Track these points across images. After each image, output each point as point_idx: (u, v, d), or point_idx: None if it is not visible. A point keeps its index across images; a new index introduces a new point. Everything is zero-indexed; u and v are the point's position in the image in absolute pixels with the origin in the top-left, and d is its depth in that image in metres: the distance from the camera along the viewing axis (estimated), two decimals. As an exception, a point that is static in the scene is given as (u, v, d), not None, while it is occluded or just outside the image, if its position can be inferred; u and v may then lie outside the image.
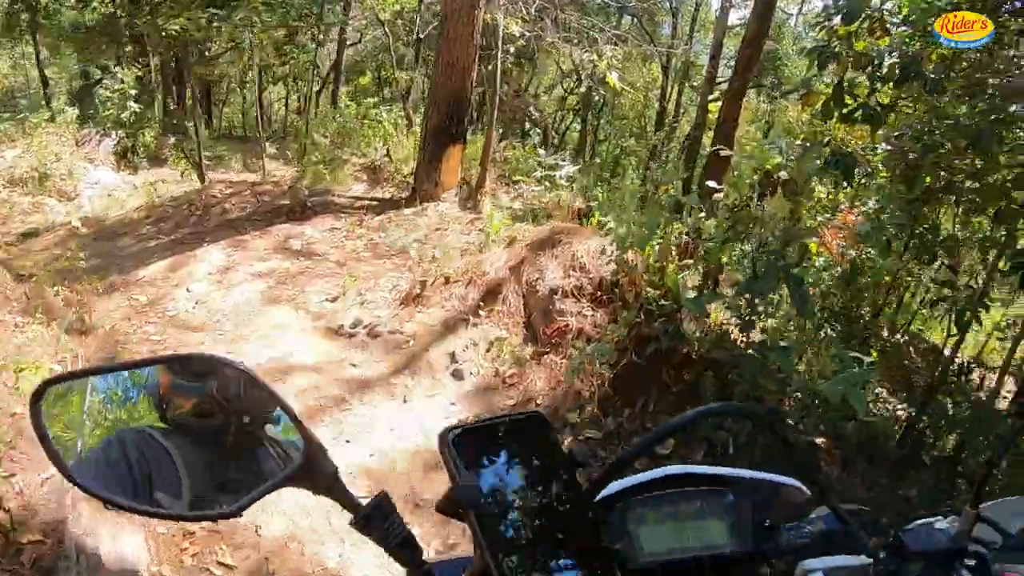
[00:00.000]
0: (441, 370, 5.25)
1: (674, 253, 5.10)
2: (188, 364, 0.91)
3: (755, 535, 0.93)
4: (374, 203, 8.91)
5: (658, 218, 5.14)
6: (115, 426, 0.85)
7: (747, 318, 4.49)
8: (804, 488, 0.99)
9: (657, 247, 5.09)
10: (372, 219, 8.13)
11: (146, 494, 0.79)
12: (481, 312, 5.63)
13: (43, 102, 17.17)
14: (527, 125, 15.92)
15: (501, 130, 11.30)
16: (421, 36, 15.41)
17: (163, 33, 10.59)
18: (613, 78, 10.49)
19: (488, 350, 5.35)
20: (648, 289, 5.20)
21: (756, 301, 4.42)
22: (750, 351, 4.38)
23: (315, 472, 0.81)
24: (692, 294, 5.01)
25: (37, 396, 0.80)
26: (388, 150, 10.62)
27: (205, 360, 0.87)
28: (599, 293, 5.50)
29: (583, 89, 14.23)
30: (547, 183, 7.88)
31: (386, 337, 5.57)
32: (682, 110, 19.70)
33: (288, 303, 6.27)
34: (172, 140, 13.21)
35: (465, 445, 0.81)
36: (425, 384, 5.14)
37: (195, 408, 0.87)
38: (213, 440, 0.87)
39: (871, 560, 0.86)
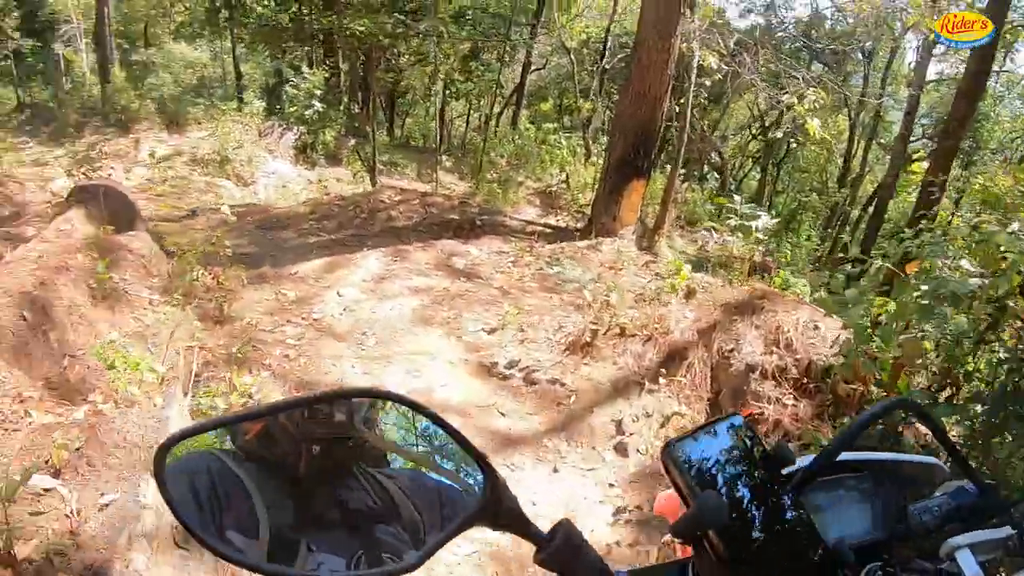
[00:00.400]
0: (603, 440, 4.43)
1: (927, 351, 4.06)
2: (340, 401, 0.79)
3: (896, 517, 0.92)
4: (546, 230, 8.30)
5: (910, 307, 4.08)
6: (254, 482, 0.74)
7: (984, 443, 3.56)
8: (943, 465, 0.99)
9: (901, 343, 4.04)
10: (543, 247, 7.47)
11: (293, 554, 0.71)
12: (660, 378, 4.76)
13: (235, 94, 18.41)
14: (705, 168, 15.00)
15: (684, 171, 10.49)
16: (606, 67, 14.91)
17: (348, 33, 10.68)
18: (814, 124, 9.42)
19: (663, 425, 4.47)
20: (872, 388, 4.21)
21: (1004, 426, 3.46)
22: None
23: (499, 507, 0.72)
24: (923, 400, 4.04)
25: (162, 451, 0.65)
26: (567, 176, 10.08)
27: (362, 393, 0.88)
28: (805, 380, 4.50)
29: (779, 134, 13.09)
30: (740, 233, 6.93)
31: (544, 387, 4.84)
32: (867, 168, 18.14)
33: (441, 326, 5.71)
34: (351, 142, 13.43)
35: (685, 458, 0.79)
36: (581, 454, 4.35)
37: (355, 452, 0.81)
38: (373, 486, 0.81)
39: (1015, 530, 0.83)
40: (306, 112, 13.22)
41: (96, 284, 4.55)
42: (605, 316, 5.28)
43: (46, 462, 2.35)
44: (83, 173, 8.67)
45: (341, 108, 14.12)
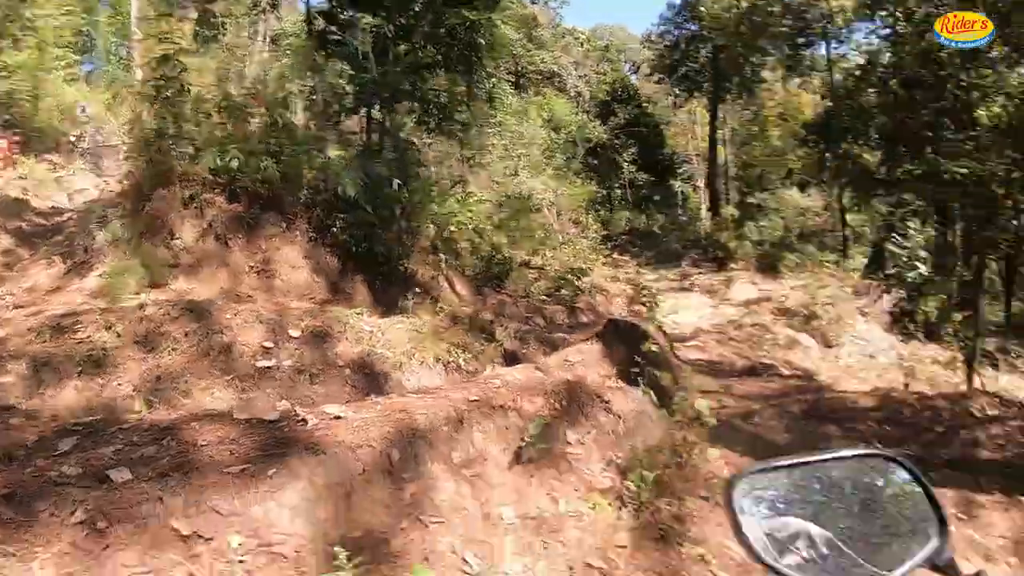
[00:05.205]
0: None
1: None
2: (866, 461, 1.27)
3: None
4: None
5: None
6: (804, 514, 1.11)
7: None
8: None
9: None
10: None
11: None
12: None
13: (838, 246, 17.61)
14: None
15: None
16: None
17: (947, 178, 8.67)
18: None
19: None
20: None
21: None
22: None
23: (941, 555, 1.05)
24: None
25: (729, 485, 1.09)
26: None
27: (882, 458, 1.20)
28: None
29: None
30: None
31: None
32: None
33: None
34: (957, 317, 11.09)
35: None
36: None
37: (867, 504, 1.17)
38: (874, 531, 1.15)
39: None
40: (908, 275, 11.54)
41: (524, 442, 3.41)
42: None
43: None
44: (643, 303, 7.75)
45: (953, 274, 11.77)
